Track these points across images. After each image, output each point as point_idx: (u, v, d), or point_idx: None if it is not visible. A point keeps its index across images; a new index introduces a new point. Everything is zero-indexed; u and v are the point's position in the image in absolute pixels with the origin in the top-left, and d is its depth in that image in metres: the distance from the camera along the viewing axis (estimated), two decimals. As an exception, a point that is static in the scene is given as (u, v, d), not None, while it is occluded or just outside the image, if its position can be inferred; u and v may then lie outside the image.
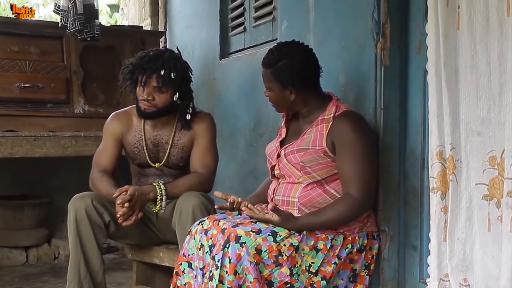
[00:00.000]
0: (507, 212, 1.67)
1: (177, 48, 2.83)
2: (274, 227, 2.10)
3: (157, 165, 2.77)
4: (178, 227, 2.53)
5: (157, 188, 2.58)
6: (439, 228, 1.98)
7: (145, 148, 2.76)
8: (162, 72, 2.62)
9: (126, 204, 2.46)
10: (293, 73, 2.22)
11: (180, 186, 2.63)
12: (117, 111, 2.89)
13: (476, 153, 1.83)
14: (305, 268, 2.10)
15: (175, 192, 2.61)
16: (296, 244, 2.08)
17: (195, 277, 2.20)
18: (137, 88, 2.66)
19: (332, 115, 2.23)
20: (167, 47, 4.63)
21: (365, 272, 2.25)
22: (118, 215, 2.47)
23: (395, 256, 2.30)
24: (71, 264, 2.58)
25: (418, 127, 2.22)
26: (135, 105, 2.79)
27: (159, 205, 2.59)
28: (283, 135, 2.41)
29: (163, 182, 2.62)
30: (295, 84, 2.24)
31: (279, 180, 2.34)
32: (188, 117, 2.74)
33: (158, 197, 2.58)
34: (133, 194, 2.48)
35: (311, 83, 2.29)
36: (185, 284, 2.26)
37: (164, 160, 2.77)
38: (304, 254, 2.10)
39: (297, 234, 2.10)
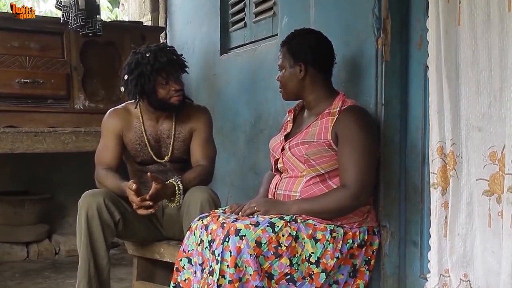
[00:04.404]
0: (507, 207, 1.67)
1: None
2: (271, 218, 2.10)
3: (166, 158, 2.77)
4: (185, 221, 2.54)
5: (175, 186, 2.57)
6: (440, 224, 1.98)
7: (147, 144, 2.76)
8: (175, 57, 2.69)
9: (146, 203, 2.47)
10: (306, 47, 2.29)
11: (192, 181, 2.64)
12: (114, 108, 2.87)
13: (477, 148, 1.83)
14: (305, 258, 2.11)
15: (189, 188, 2.61)
16: (294, 234, 2.09)
17: (195, 273, 2.20)
18: (159, 88, 2.67)
19: (338, 109, 2.25)
20: (168, 42, 4.64)
21: (365, 268, 2.26)
22: (135, 206, 2.47)
23: (396, 252, 2.30)
24: (81, 262, 2.56)
25: (419, 123, 2.22)
26: (130, 102, 2.79)
27: (177, 203, 2.59)
28: (289, 130, 2.42)
29: (179, 179, 2.61)
30: (307, 59, 2.29)
31: (282, 174, 2.35)
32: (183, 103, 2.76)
33: (177, 194, 2.57)
34: (158, 192, 2.49)
35: (322, 65, 2.32)
36: (185, 280, 2.27)
37: (169, 155, 2.77)
38: (304, 243, 2.10)
39: (294, 223, 2.11)
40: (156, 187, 2.47)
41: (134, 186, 2.46)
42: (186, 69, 2.76)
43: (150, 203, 2.47)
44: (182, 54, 2.78)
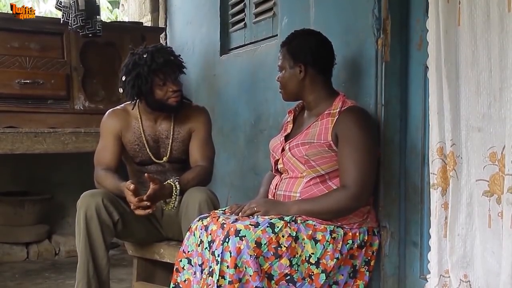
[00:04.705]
0: (507, 208, 1.67)
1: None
2: (271, 219, 2.10)
3: (164, 159, 2.77)
4: (183, 221, 2.54)
5: (173, 187, 2.57)
6: (440, 224, 1.98)
7: (146, 145, 2.76)
8: (173, 58, 2.67)
9: (144, 203, 2.47)
10: (306, 48, 2.29)
11: (191, 182, 2.64)
12: (113, 108, 2.87)
13: (477, 149, 1.83)
14: (305, 258, 2.10)
15: (187, 188, 2.61)
16: (294, 234, 2.09)
17: (194, 274, 2.20)
18: (156, 89, 2.66)
19: (338, 110, 2.25)
20: (168, 43, 4.65)
21: (365, 268, 2.25)
22: (133, 206, 2.47)
23: (396, 252, 2.30)
24: (80, 263, 2.56)
25: (419, 123, 2.22)
26: (129, 102, 2.79)
27: (172, 204, 2.59)
28: (289, 130, 2.42)
29: (177, 180, 2.60)
30: (307, 60, 2.29)
31: (282, 175, 2.35)
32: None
33: (173, 196, 2.57)
34: (156, 192, 2.49)
35: (322, 66, 2.32)
36: (185, 281, 2.27)
37: (167, 155, 2.77)
38: (304, 244, 2.10)
39: (294, 224, 2.11)
40: (154, 188, 2.47)
41: (132, 186, 2.46)
42: (184, 69, 2.76)
43: (148, 204, 2.47)
44: (180, 55, 2.78)
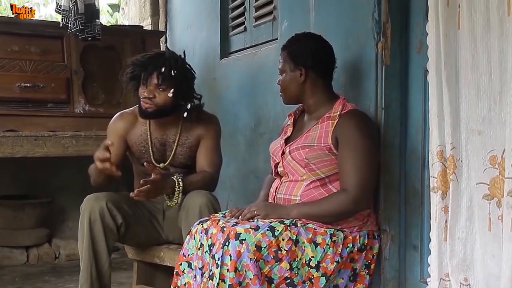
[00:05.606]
0: (507, 211, 1.67)
1: (184, 52, 2.83)
2: (271, 222, 2.10)
3: (161, 165, 2.77)
4: (184, 225, 2.54)
5: (176, 183, 2.58)
6: (440, 228, 1.98)
7: (150, 147, 2.77)
8: (163, 70, 2.65)
9: (145, 188, 2.48)
10: (307, 51, 2.29)
11: (194, 183, 2.64)
12: (122, 111, 2.90)
13: (477, 152, 1.83)
14: (305, 262, 2.10)
15: (190, 189, 2.62)
16: (294, 238, 2.09)
17: (195, 277, 2.20)
18: (140, 88, 2.69)
19: (338, 113, 2.25)
20: (168, 46, 4.63)
21: (365, 272, 2.25)
22: (99, 165, 2.48)
23: (396, 256, 2.30)
24: (83, 266, 2.56)
25: (419, 127, 2.22)
26: (137, 106, 2.80)
27: (176, 200, 2.60)
28: (289, 134, 2.42)
29: (181, 177, 2.61)
30: (307, 63, 2.29)
31: (282, 178, 2.35)
32: (188, 115, 2.73)
33: (176, 192, 2.58)
34: (157, 182, 2.50)
35: (323, 70, 2.32)
36: (185, 284, 2.27)
37: (169, 159, 2.77)
38: (304, 247, 2.10)
39: (294, 227, 2.11)
40: (156, 177, 2.49)
41: (109, 141, 2.49)
42: (179, 85, 2.70)
43: (148, 187, 2.48)
44: (189, 65, 2.78)
